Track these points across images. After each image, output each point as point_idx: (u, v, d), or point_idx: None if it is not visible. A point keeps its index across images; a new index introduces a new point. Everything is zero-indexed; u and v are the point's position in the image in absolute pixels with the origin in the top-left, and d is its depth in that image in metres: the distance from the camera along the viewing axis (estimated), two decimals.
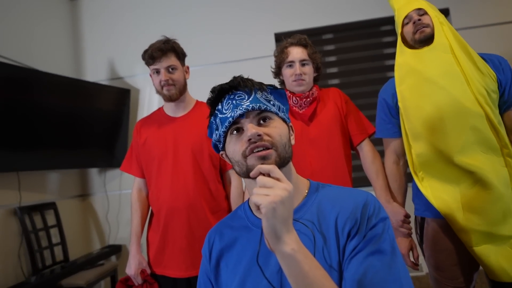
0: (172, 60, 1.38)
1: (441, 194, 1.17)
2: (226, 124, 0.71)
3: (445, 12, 2.55)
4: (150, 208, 1.50)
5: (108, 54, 2.80)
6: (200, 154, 1.38)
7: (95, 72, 2.80)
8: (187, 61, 1.53)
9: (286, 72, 1.42)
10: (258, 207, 0.57)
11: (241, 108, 0.70)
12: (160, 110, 1.51)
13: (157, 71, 1.38)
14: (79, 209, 2.71)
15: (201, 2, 2.76)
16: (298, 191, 0.73)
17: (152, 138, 1.43)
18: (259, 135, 0.67)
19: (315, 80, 1.48)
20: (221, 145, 0.76)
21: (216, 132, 0.75)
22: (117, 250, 2.63)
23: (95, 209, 2.77)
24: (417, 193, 1.29)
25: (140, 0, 2.81)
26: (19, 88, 2.04)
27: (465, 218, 1.13)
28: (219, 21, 2.73)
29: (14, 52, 2.22)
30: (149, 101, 2.77)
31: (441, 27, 1.21)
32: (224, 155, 0.77)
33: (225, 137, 0.74)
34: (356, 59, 2.66)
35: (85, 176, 2.79)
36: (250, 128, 0.67)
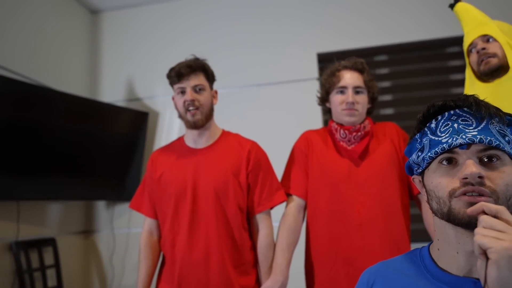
0: (200, 80, 1.39)
1: None
2: (437, 149, 0.65)
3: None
4: (162, 254, 1.46)
5: (127, 73, 2.84)
6: (224, 194, 1.34)
7: (111, 92, 2.83)
8: (215, 85, 1.52)
9: (335, 98, 1.38)
10: (483, 252, 0.53)
11: (463, 137, 0.63)
12: (180, 140, 1.49)
13: (183, 91, 1.37)
14: (80, 248, 2.67)
15: (231, 20, 2.77)
16: None
17: (169, 173, 1.40)
18: (480, 177, 0.60)
19: (369, 112, 1.44)
20: (420, 170, 0.72)
21: (420, 153, 0.70)
22: None
23: (99, 249, 2.71)
24: None
25: (164, 16, 2.86)
26: (23, 106, 2.07)
27: None
28: (252, 38, 2.72)
29: (22, 66, 2.28)
30: (168, 126, 2.76)
31: None
32: (416, 180, 0.74)
33: (429, 162, 0.69)
34: (415, 85, 2.54)
35: (91, 209, 2.76)
36: (471, 165, 0.61)
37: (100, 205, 2.75)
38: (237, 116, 2.63)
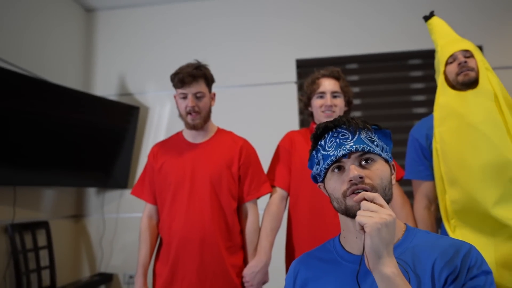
0: (201, 87, 1.46)
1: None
2: (328, 161, 0.80)
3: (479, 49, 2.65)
4: (159, 237, 1.55)
5: (120, 69, 2.95)
6: (218, 184, 1.44)
7: (104, 86, 2.93)
8: None
9: (316, 102, 1.52)
10: (362, 228, 0.67)
11: (344, 148, 0.78)
12: (179, 135, 1.59)
13: (184, 97, 1.46)
14: (72, 231, 2.77)
15: (221, 23, 2.92)
16: (395, 230, 0.79)
17: (169, 164, 1.49)
18: (360, 177, 0.75)
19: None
20: (321, 179, 0.86)
21: (317, 166, 0.85)
22: (107, 279, 2.66)
23: (89, 232, 2.83)
24: None
25: (155, 18, 2.98)
26: (18, 96, 2.11)
27: (498, 274, 1.18)
28: (238, 42, 2.88)
29: (18, 58, 2.32)
30: (158, 120, 2.89)
31: (487, 73, 1.31)
32: (322, 187, 0.88)
33: (325, 172, 0.83)
34: (381, 92, 2.76)
35: (82, 195, 2.86)
36: (353, 169, 0.76)
37: (91, 191, 2.87)
38: (220, 115, 2.78)
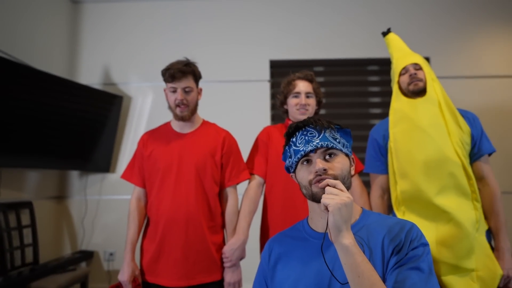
0: (190, 82, 1.56)
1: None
2: (298, 155, 0.95)
3: (426, 60, 3.01)
4: (146, 217, 1.64)
5: (105, 59, 3.06)
6: (203, 170, 1.55)
7: (89, 76, 3.03)
8: None
9: (292, 101, 1.67)
10: (326, 208, 0.80)
11: (312, 145, 0.93)
12: (167, 125, 1.69)
13: (174, 90, 1.55)
14: (54, 211, 2.87)
15: (200, 21, 3.10)
16: (353, 212, 0.90)
17: (158, 151, 1.59)
18: (324, 170, 0.89)
19: (316, 113, 1.78)
20: (293, 170, 1.00)
21: (290, 159, 1.00)
22: (88, 256, 2.81)
23: (71, 212, 2.95)
24: None
25: (142, 10, 3.11)
26: (3, 82, 2.14)
27: (437, 251, 1.36)
28: (218, 41, 3.07)
29: (6, 45, 2.35)
30: (140, 110, 3.03)
31: (433, 83, 1.52)
32: (293, 177, 1.01)
33: (296, 164, 0.98)
34: (343, 93, 3.07)
35: (65, 178, 2.96)
36: (318, 163, 0.90)
37: (74, 174, 2.98)
38: (201, 108, 2.93)
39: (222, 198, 1.63)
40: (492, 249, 1.49)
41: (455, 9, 3.10)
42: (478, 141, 1.53)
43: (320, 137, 0.94)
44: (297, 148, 0.96)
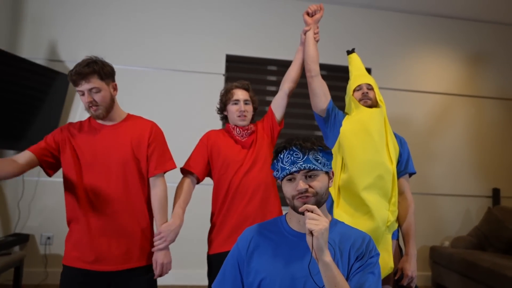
0: (93, 83, 1.49)
1: (341, 211, 1.67)
2: (284, 173, 1.09)
3: (368, 71, 3.24)
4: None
5: (52, 34, 2.90)
6: (128, 161, 1.56)
7: (32, 50, 2.85)
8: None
9: (232, 108, 1.81)
10: (310, 232, 0.96)
11: (296, 166, 1.07)
12: (90, 118, 1.63)
13: (82, 94, 1.51)
14: None
15: (161, 6, 3.06)
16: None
17: (80, 144, 1.55)
18: (306, 189, 1.05)
19: (252, 119, 1.89)
20: (280, 180, 1.15)
21: (277, 173, 1.14)
22: (23, 239, 2.70)
23: (6, 193, 2.80)
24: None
25: None
26: None
27: None
28: (174, 29, 3.07)
29: None
30: None
31: (381, 104, 1.78)
32: (281, 184, 1.16)
33: (282, 178, 1.13)
34: (295, 94, 3.20)
35: (1, 156, 2.79)
36: (301, 184, 1.05)
37: (10, 154, 2.81)
38: (151, 93, 2.96)
39: (150, 186, 1.65)
40: (401, 249, 1.80)
41: (394, 25, 3.46)
42: (405, 161, 1.82)
43: (304, 159, 1.08)
44: (283, 166, 1.10)
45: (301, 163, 1.07)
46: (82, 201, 1.52)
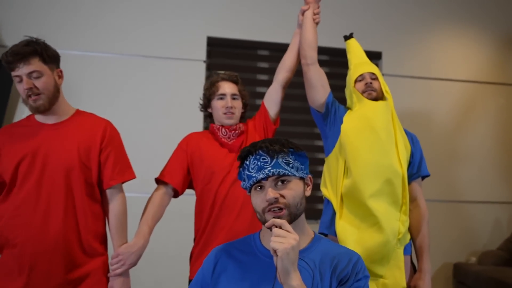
0: (35, 65, 1.34)
1: (345, 223, 1.53)
2: (251, 182, 0.99)
3: (378, 55, 2.98)
4: None
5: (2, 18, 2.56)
6: (73, 169, 1.39)
7: None
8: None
9: (217, 104, 1.64)
10: (275, 251, 0.85)
11: (263, 172, 0.96)
12: (30, 118, 1.47)
13: (20, 80, 1.34)
14: None
15: None
16: (305, 236, 1.03)
17: (14, 148, 1.38)
18: (276, 199, 0.94)
19: (242, 117, 1.72)
20: (248, 191, 1.05)
21: (244, 182, 1.04)
22: None
23: None
24: (325, 212, 1.65)
25: None
26: None
27: (354, 250, 1.45)
28: (143, 5, 2.73)
29: None
30: None
31: (387, 95, 1.63)
32: (250, 195, 1.05)
33: (250, 188, 1.02)
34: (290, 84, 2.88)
35: None
36: (269, 192, 0.95)
37: None
38: (124, 82, 2.67)
39: (104, 199, 1.51)
40: (413, 265, 1.68)
41: (408, 5, 3.14)
42: (418, 162, 1.68)
43: (272, 163, 0.98)
44: (250, 174, 1.00)
45: (269, 168, 0.97)
46: (12, 217, 1.34)
